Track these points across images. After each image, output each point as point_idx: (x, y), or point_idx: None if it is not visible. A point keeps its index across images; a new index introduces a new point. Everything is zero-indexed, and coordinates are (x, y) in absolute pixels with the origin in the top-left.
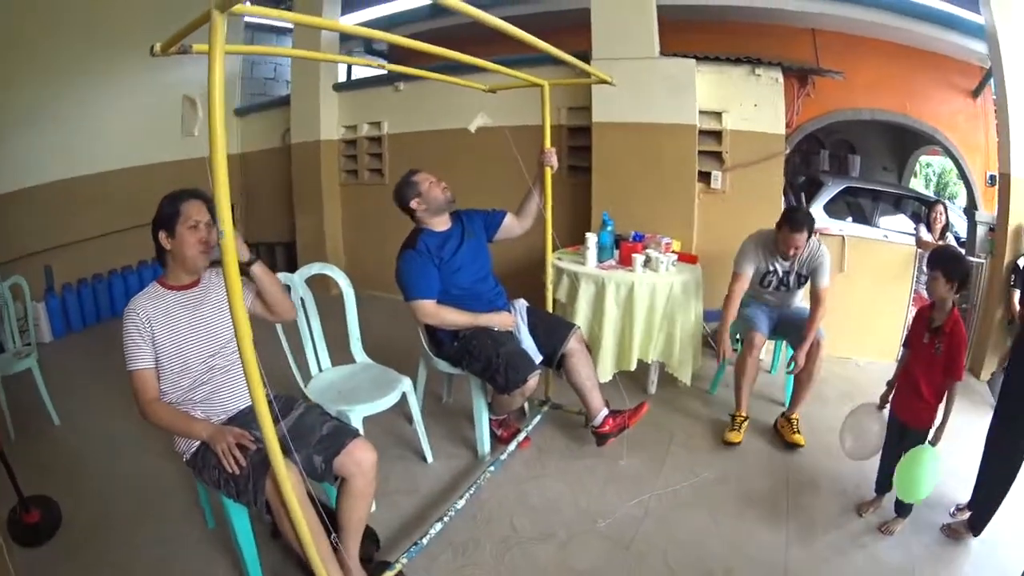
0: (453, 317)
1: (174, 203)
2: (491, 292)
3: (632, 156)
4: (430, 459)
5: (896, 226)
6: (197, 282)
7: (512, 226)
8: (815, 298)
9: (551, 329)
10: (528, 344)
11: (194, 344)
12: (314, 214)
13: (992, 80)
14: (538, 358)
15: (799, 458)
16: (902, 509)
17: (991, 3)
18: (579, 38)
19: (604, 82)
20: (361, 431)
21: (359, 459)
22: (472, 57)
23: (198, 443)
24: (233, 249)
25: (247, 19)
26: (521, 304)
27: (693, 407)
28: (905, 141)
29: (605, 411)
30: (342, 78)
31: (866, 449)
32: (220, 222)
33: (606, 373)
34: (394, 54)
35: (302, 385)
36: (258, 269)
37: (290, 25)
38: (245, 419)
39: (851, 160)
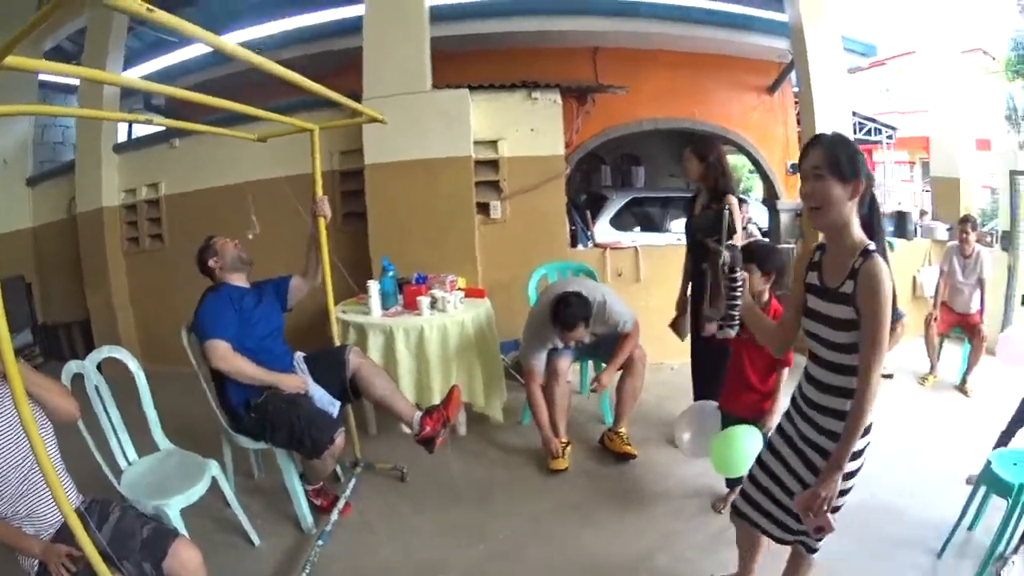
0: (247, 367)
1: None
2: (281, 350)
3: (408, 195)
4: (256, 541)
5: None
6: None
7: (300, 287)
8: (620, 339)
9: (328, 363)
10: (321, 398)
11: (2, 451)
12: (103, 289)
13: (793, 73)
14: (336, 408)
15: (636, 469)
16: (732, 482)
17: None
18: (353, 79)
19: (375, 120)
20: (181, 523)
21: (184, 560)
22: (240, 105)
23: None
24: (8, 341)
25: (41, 77)
26: (299, 357)
27: (509, 441)
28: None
29: (418, 413)
30: (124, 138)
31: (703, 447)
32: None
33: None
34: (172, 111)
35: (115, 483)
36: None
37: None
38: (68, 533)
39: (635, 172)
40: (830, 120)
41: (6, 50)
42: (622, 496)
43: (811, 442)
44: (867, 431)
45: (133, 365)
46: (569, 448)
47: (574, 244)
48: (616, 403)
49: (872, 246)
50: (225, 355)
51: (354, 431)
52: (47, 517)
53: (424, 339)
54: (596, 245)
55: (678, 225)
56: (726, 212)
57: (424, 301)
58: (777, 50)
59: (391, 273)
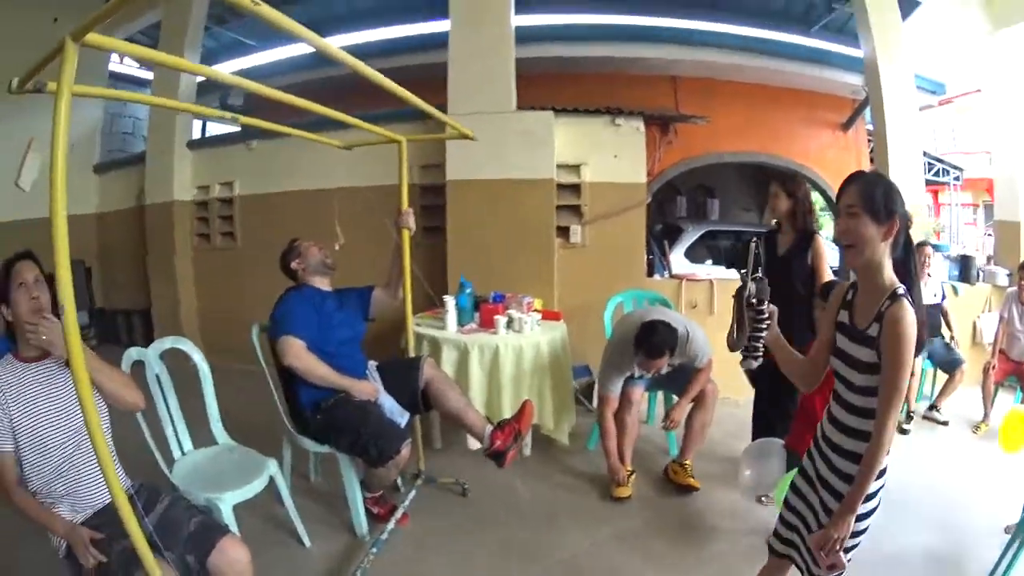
0: (319, 367)
1: (5, 269)
2: (358, 358)
3: (488, 214)
4: (308, 543)
5: None
6: (47, 353)
7: (382, 298)
8: (694, 372)
9: (401, 373)
10: (391, 407)
11: (50, 427)
12: (168, 280)
13: (868, 110)
14: (404, 419)
15: (697, 502)
16: None
17: (872, 35)
18: (430, 94)
19: (465, 136)
20: (232, 519)
21: (232, 559)
22: (332, 111)
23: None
24: (75, 326)
25: (111, 69)
26: (371, 365)
27: (574, 465)
28: (765, 179)
29: (489, 426)
30: (198, 135)
31: (765, 485)
32: (60, 297)
33: (474, 442)
34: (248, 113)
35: (167, 470)
36: None
37: (151, 77)
38: (114, 514)
39: (710, 204)
40: (904, 158)
41: (84, 29)
42: (682, 528)
43: (825, 482)
44: (881, 474)
45: (198, 357)
46: (633, 477)
47: (650, 274)
48: (684, 435)
49: (901, 289)
50: (299, 353)
51: (419, 443)
52: (88, 498)
53: (499, 358)
54: (672, 276)
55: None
56: (752, 245)
57: (501, 320)
58: (851, 86)
59: (469, 290)
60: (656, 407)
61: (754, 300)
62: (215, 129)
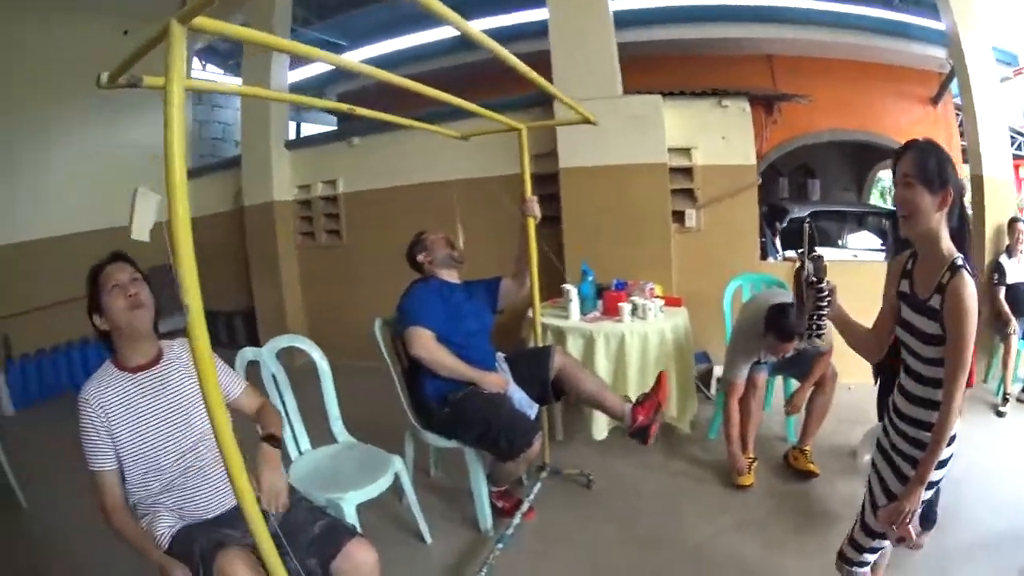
0: (447, 358)
1: (92, 277)
2: (487, 350)
3: (602, 200)
4: (429, 539)
5: (862, 244)
6: (157, 358)
7: (510, 288)
8: (816, 357)
9: (531, 364)
10: (521, 399)
11: (162, 440)
12: (271, 280)
13: (954, 84)
14: (534, 411)
15: (817, 488)
16: (926, 522)
17: (951, 6)
18: (523, 83)
19: (587, 121)
20: (355, 519)
21: (359, 562)
22: (454, 98)
23: (173, 536)
24: (202, 326)
25: (195, 74)
26: (500, 356)
27: (695, 454)
28: (862, 158)
29: (628, 404)
30: (291, 136)
31: None
32: (185, 293)
33: (601, 431)
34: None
35: (283, 471)
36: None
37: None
38: (229, 520)
39: (811, 184)
40: (991, 132)
41: (192, 12)
42: (804, 515)
43: (899, 450)
44: (951, 441)
45: (317, 355)
46: (755, 464)
47: (763, 256)
48: (804, 420)
49: (960, 259)
50: (427, 344)
51: (545, 435)
52: (205, 509)
53: (624, 346)
54: (786, 258)
55: (854, 241)
56: (806, 225)
57: (626, 308)
58: (937, 59)
59: (591, 278)
60: (772, 393)
61: (813, 279)
62: (307, 130)
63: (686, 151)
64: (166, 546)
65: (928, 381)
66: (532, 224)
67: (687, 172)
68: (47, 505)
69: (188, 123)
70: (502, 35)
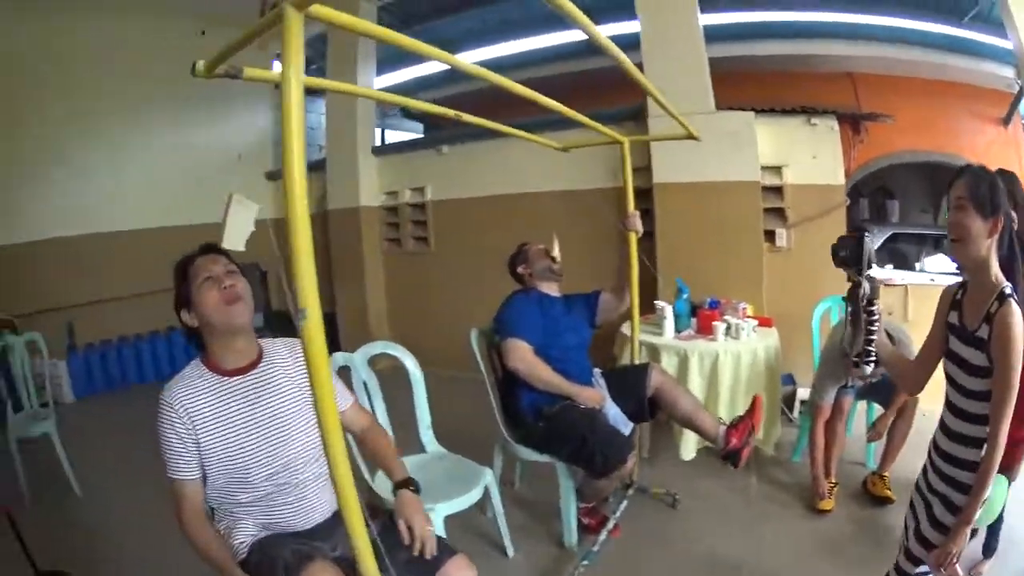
0: (544, 371)
1: (181, 270)
2: (585, 364)
3: (695, 217)
4: (511, 553)
5: (939, 267)
6: (256, 361)
7: (609, 303)
8: None
9: (628, 380)
10: (616, 416)
11: (255, 453)
12: (355, 284)
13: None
14: (628, 428)
15: (892, 515)
16: (987, 551)
17: (1017, 24)
18: (611, 98)
19: (690, 137)
20: (443, 531)
21: None
22: (562, 107)
23: (252, 545)
24: (320, 332)
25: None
26: (596, 372)
27: (778, 476)
28: (938, 179)
29: (722, 427)
30: (377, 142)
31: None
32: (303, 297)
33: (689, 451)
34: (430, 120)
35: (369, 479)
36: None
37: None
38: (318, 533)
39: (889, 206)
40: None
41: (222, 56)
42: (881, 543)
43: (936, 492)
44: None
45: (410, 363)
46: (836, 489)
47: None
48: (885, 447)
49: (1008, 288)
50: (524, 356)
51: (637, 453)
52: (294, 521)
53: (717, 366)
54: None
55: (931, 264)
56: (867, 239)
57: (720, 327)
58: (1005, 79)
59: (685, 295)
60: (853, 418)
61: (866, 300)
62: (390, 137)
63: (777, 169)
64: (244, 555)
65: (972, 417)
66: (634, 239)
67: (777, 191)
68: (101, 495)
69: (268, 127)
70: (590, 48)
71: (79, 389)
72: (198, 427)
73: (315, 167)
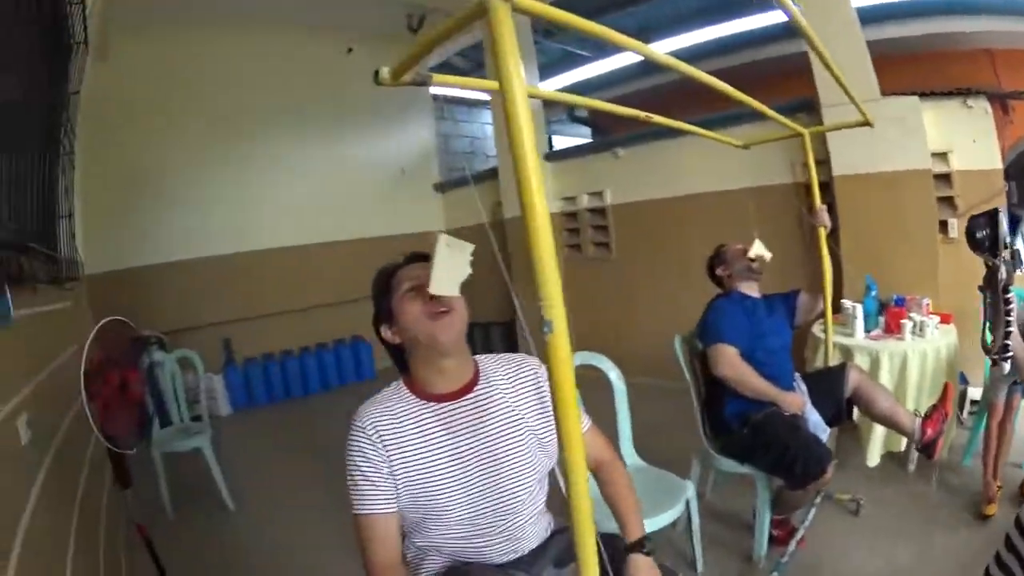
0: (752, 377)
1: (383, 281)
2: (788, 367)
3: (875, 210)
4: (700, 567)
5: None
6: (471, 384)
7: (807, 303)
8: None
9: (826, 382)
10: (815, 422)
11: (461, 488)
12: (536, 292)
13: None
14: (826, 435)
15: None
16: None
17: None
18: (765, 89)
19: (865, 123)
20: None
21: None
22: (747, 97)
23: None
24: (566, 346)
25: (434, 91)
26: (798, 376)
27: (951, 480)
28: None
29: (918, 419)
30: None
31: None
32: (547, 308)
33: (875, 456)
34: (601, 119)
35: (567, 492)
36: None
37: (483, 96)
38: (522, 564)
39: None
40: None
41: (409, 61)
42: None
43: None
44: None
45: (614, 375)
46: (1000, 492)
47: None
48: None
49: None
50: (733, 361)
51: None
52: (491, 555)
53: (906, 366)
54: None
55: None
56: (1001, 216)
57: (907, 325)
58: None
59: (874, 293)
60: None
61: (1004, 286)
62: (564, 142)
63: (943, 156)
64: None
65: None
66: (823, 235)
67: (945, 178)
68: (253, 510)
69: (432, 137)
70: (751, 39)
71: (237, 401)
72: (393, 458)
73: (484, 177)
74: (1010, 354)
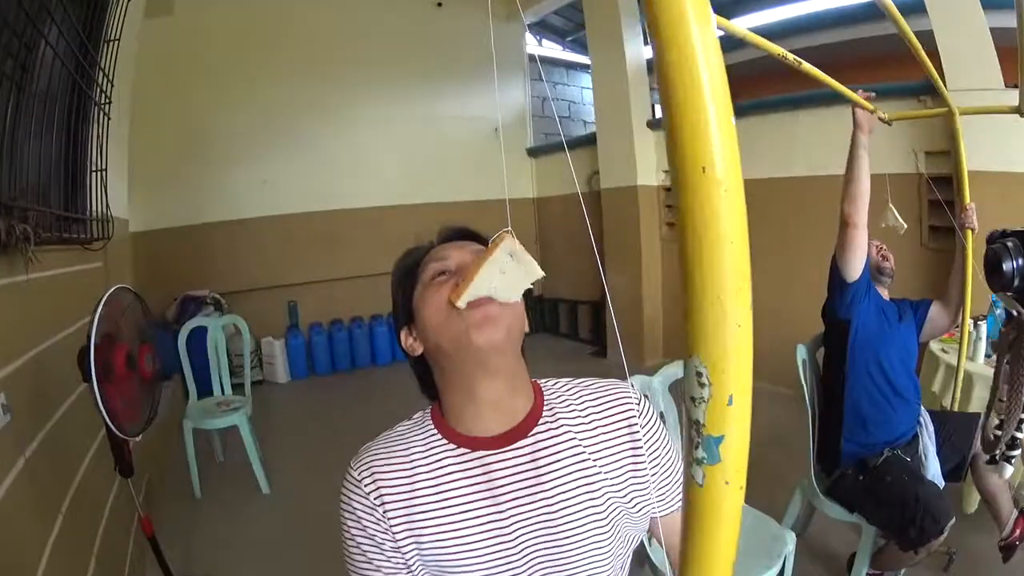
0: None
1: (405, 266)
2: (914, 382)
3: (1004, 213)
4: None
5: None
6: (527, 425)
7: (938, 315)
8: None
9: (955, 429)
10: (936, 473)
11: (500, 563)
12: (630, 272)
13: None
14: (942, 487)
15: None
16: None
17: None
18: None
19: (1017, 111)
20: None
21: None
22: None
23: None
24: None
25: (531, 51)
26: (923, 410)
27: None
28: None
29: (1015, 512)
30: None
31: None
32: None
33: (972, 504)
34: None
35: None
36: None
37: (583, 60)
38: None
39: None
40: None
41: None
42: None
43: None
44: None
45: None
46: None
47: None
48: None
49: None
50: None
51: None
52: None
53: None
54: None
55: None
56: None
57: None
58: None
59: (998, 310)
60: None
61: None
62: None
63: None
64: None
65: None
66: (970, 238)
67: None
68: (288, 495)
69: (526, 101)
70: (869, 12)
71: (297, 369)
72: (400, 529)
73: (580, 143)
74: (1017, 453)
